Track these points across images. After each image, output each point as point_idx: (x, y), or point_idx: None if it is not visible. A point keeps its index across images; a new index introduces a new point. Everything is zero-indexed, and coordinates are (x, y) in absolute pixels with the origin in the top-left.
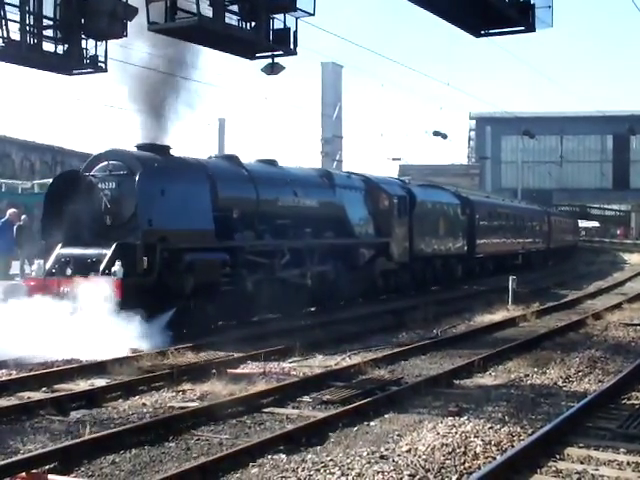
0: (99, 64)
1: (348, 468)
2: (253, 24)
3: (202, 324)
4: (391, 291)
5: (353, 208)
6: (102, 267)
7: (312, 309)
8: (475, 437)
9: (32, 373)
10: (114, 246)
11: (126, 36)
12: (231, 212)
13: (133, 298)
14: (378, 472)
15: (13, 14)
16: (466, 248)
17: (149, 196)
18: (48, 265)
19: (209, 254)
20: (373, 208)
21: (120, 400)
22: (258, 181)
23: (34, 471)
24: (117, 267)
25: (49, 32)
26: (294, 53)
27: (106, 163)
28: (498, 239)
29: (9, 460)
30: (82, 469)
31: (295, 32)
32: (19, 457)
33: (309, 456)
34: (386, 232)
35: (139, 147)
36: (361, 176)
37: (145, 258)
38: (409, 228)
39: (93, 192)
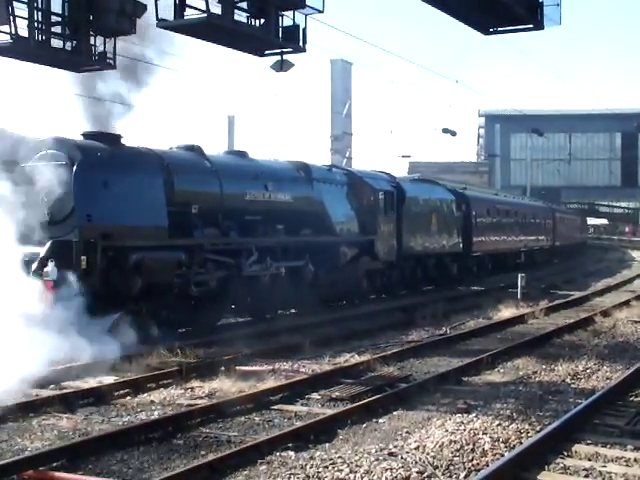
0: (107, 61)
1: (356, 465)
2: (262, 21)
3: (153, 329)
4: (378, 292)
5: (334, 204)
6: (34, 268)
7: (293, 310)
8: (483, 434)
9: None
10: (48, 244)
11: (134, 33)
12: (189, 207)
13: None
14: (386, 469)
15: (21, 10)
16: (462, 246)
17: (89, 188)
18: None
19: (161, 252)
20: (357, 204)
21: (128, 397)
22: (223, 174)
23: (42, 469)
24: (50, 268)
25: (57, 29)
26: (303, 50)
27: (45, 152)
28: (497, 237)
29: (17, 458)
30: (90, 466)
31: (304, 29)
32: (27, 455)
33: (317, 453)
34: (371, 229)
35: (85, 135)
36: (344, 170)
37: (84, 257)
38: (397, 225)
39: (30, 184)
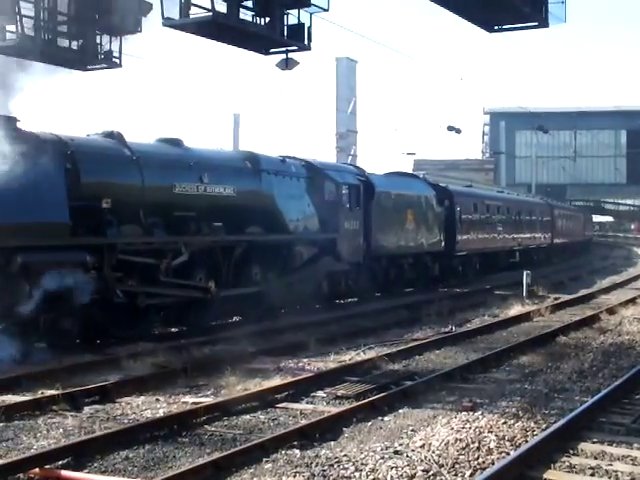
0: (113, 60)
1: (362, 463)
2: (267, 19)
3: (60, 342)
4: (342, 296)
5: (287, 198)
6: None
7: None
8: (489, 432)
9: (45, 368)
10: None
11: (140, 31)
12: (100, 201)
13: None
14: (392, 467)
15: (28, 10)
16: (444, 244)
17: None
18: None
19: (57, 254)
20: (317, 199)
21: (133, 395)
22: (145, 163)
23: (47, 467)
24: None
25: (63, 28)
26: (308, 48)
27: None
28: (486, 234)
29: (23, 456)
30: (95, 465)
31: (309, 27)
32: (32, 453)
33: (323, 451)
34: (333, 227)
35: None
36: (301, 161)
37: None
38: (365, 222)
39: None
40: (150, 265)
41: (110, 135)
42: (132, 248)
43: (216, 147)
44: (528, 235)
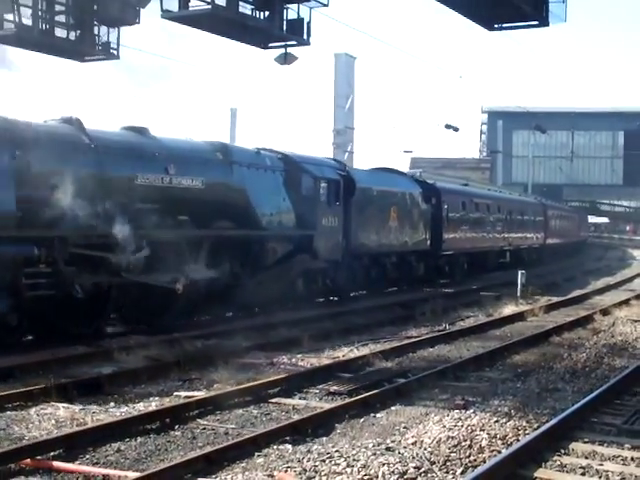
0: (111, 51)
1: (354, 459)
2: (267, 13)
3: (5, 340)
4: (318, 295)
5: (260, 192)
6: None
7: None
8: (481, 430)
9: (38, 359)
10: None
11: (139, 23)
12: (51, 191)
13: None
14: (384, 464)
15: None
16: (429, 243)
17: None
18: None
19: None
20: (294, 194)
21: (126, 388)
22: (105, 152)
23: (39, 458)
24: None
25: (61, 18)
26: (307, 43)
27: None
28: (475, 233)
29: (14, 446)
30: (87, 456)
31: (309, 22)
32: (24, 443)
33: (315, 447)
34: (310, 223)
35: None
36: (278, 153)
37: None
38: (345, 219)
39: None
40: (109, 259)
41: (68, 121)
42: (87, 242)
43: (185, 137)
44: (519, 235)
